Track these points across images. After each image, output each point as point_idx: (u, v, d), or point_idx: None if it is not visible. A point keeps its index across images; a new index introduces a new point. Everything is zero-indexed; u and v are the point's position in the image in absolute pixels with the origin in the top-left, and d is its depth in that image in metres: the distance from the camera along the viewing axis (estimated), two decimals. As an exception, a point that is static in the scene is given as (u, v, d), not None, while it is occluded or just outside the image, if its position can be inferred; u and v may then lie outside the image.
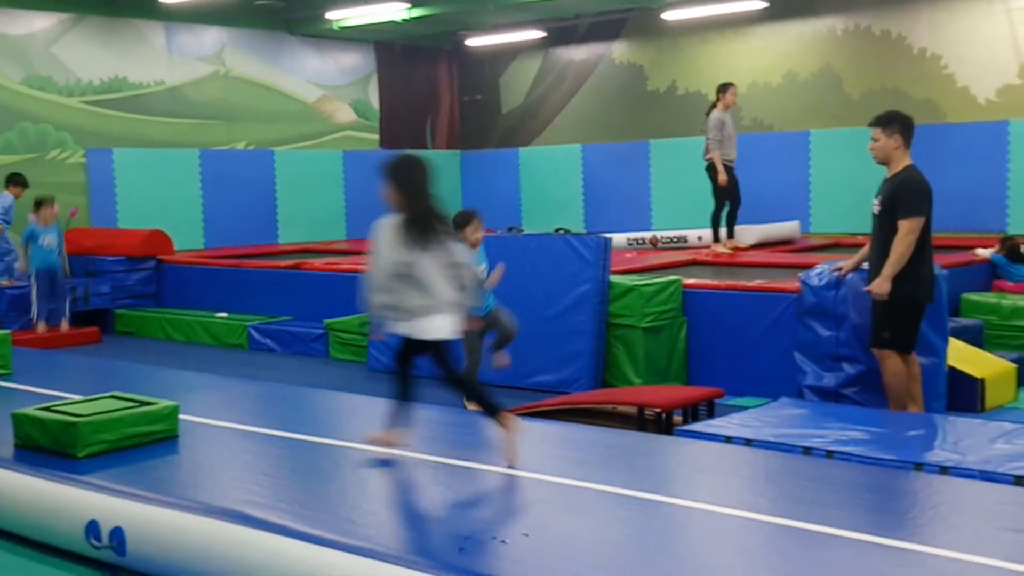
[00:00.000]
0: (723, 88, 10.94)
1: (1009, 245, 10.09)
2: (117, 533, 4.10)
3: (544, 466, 4.64)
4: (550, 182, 16.40)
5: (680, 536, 3.76)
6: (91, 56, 13.65)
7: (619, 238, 12.28)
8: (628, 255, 11.42)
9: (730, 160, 10.89)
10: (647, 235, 12.98)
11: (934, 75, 12.96)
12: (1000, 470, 4.56)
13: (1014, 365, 7.54)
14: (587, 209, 16.05)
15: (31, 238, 10.96)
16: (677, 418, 6.45)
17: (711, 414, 6.51)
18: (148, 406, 5.14)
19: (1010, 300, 9.10)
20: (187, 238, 13.90)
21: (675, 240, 12.58)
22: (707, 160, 10.86)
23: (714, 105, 10.95)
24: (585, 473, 4.46)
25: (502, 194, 16.95)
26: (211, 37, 14.78)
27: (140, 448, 4.95)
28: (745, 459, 4.86)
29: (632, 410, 6.46)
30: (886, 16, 13.33)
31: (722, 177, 10.76)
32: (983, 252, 10.20)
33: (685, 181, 14.80)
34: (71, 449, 4.81)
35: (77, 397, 5.57)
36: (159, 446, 5.01)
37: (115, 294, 12.24)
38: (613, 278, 8.26)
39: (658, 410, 6.33)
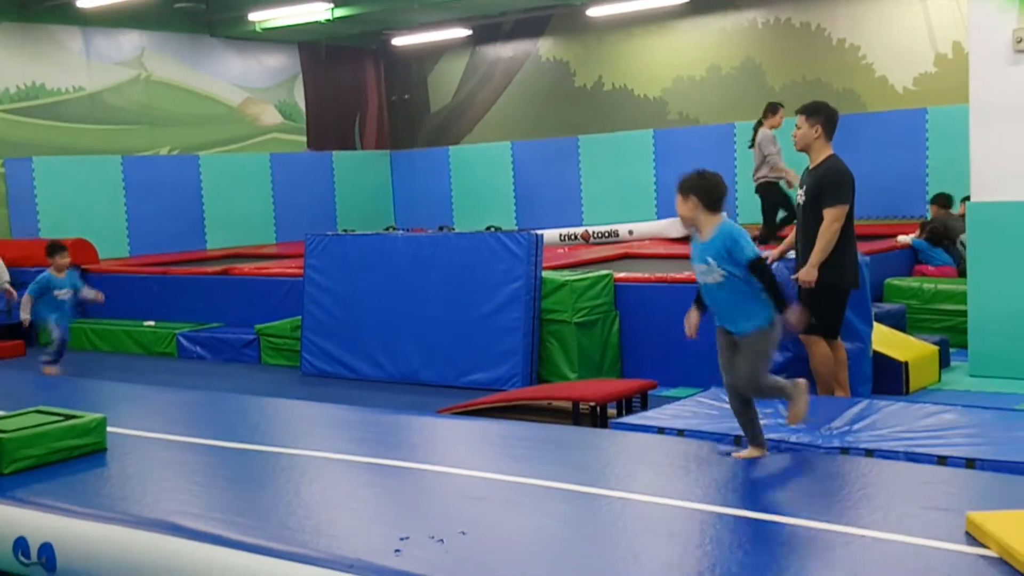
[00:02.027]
0: (773, 109, 10.66)
1: (929, 230, 10.31)
2: (46, 549, 4.03)
3: (480, 463, 4.65)
4: (481, 180, 16.41)
5: (616, 527, 3.79)
6: (7, 63, 13.34)
7: (551, 234, 12.32)
8: (560, 251, 11.48)
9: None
10: (579, 230, 13.03)
11: (853, 65, 13.21)
12: (924, 451, 4.67)
13: (936, 348, 7.71)
14: (518, 206, 16.08)
15: None
16: (611, 411, 6.50)
17: (644, 406, 6.56)
18: (74, 419, 5.06)
19: (931, 284, 9.31)
20: (111, 246, 13.65)
21: (606, 235, 12.66)
22: (759, 180, 10.55)
23: (760, 123, 10.72)
24: (521, 468, 4.48)
25: (433, 193, 16.94)
26: (130, 41, 14.52)
27: (68, 462, 4.86)
28: (678, 449, 4.92)
29: (567, 405, 6.49)
30: (805, 8, 13.56)
31: (792, 176, 10.11)
32: (904, 238, 10.40)
33: (615, 176, 14.93)
34: (-4, 465, 4.73)
35: (1, 412, 5.45)
36: (87, 459, 4.93)
37: (39, 306, 11.93)
38: (545, 274, 8.29)
39: (592, 404, 6.37)
